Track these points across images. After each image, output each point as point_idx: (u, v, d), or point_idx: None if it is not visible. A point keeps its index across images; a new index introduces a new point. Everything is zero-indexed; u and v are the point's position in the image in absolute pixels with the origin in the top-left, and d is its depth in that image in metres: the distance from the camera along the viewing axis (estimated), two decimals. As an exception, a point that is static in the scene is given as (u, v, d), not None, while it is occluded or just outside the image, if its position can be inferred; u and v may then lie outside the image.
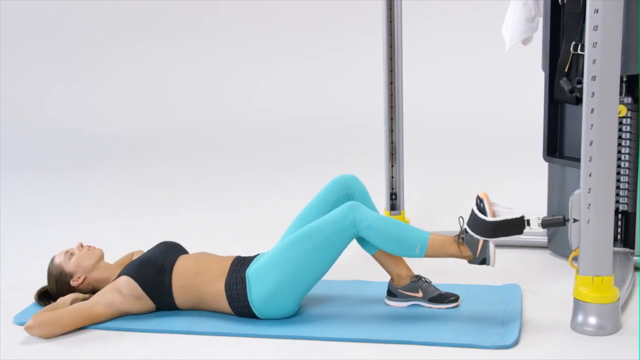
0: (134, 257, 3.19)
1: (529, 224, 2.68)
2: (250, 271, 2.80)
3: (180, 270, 2.86)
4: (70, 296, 2.88)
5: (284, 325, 2.78)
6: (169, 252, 2.94)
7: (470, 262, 2.77)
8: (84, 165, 5.58)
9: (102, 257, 2.99)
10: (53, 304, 2.84)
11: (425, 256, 2.77)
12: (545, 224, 2.71)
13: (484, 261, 2.74)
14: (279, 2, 6.79)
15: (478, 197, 2.70)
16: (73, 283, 2.92)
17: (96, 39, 6.96)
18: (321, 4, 6.72)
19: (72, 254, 2.95)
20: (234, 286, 2.79)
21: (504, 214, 2.67)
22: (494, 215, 2.67)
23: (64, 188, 4.97)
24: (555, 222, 2.71)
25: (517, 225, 2.67)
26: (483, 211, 2.68)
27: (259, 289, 2.77)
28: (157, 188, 4.92)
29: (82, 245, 2.98)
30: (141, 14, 6.94)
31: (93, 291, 2.94)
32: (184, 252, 3.02)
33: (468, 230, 2.72)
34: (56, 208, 4.50)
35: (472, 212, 2.71)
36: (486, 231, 2.68)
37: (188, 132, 6.32)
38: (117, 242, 3.49)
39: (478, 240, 2.72)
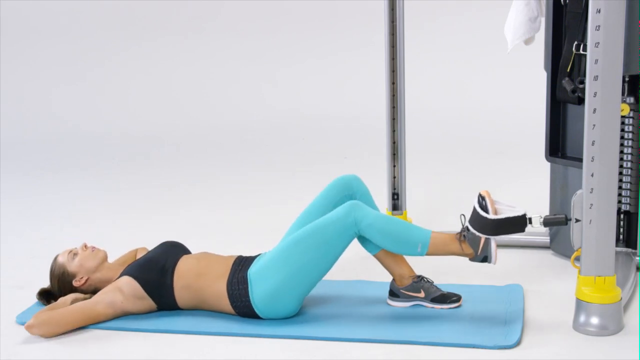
0: (138, 255, 3.20)
1: (530, 222, 2.68)
2: (252, 271, 2.80)
3: (182, 271, 2.86)
4: (70, 296, 2.88)
5: (286, 325, 2.78)
6: (171, 252, 2.94)
7: (471, 259, 2.78)
8: (89, 165, 5.58)
9: (105, 258, 2.98)
10: (54, 304, 2.84)
11: (427, 254, 2.78)
12: (547, 222, 2.71)
13: (485, 259, 2.74)
14: (282, 4, 6.79)
15: (480, 195, 2.71)
16: (75, 283, 2.92)
17: (101, 38, 6.97)
18: (323, 5, 6.72)
19: (75, 254, 2.95)
20: (236, 286, 2.79)
21: (506, 212, 2.67)
22: (495, 213, 2.67)
23: (68, 188, 4.97)
24: (557, 221, 2.70)
25: (519, 224, 2.67)
26: (485, 209, 2.68)
27: (260, 289, 2.77)
28: (162, 188, 4.92)
29: (86, 246, 2.98)
30: (148, 13, 6.95)
31: (95, 291, 2.94)
32: (187, 252, 3.02)
33: (470, 228, 2.73)
34: (60, 208, 4.51)
35: (474, 209, 2.71)
36: (488, 229, 2.68)
37: (193, 132, 6.33)
38: (122, 242, 3.49)
39: (480, 238, 2.72)
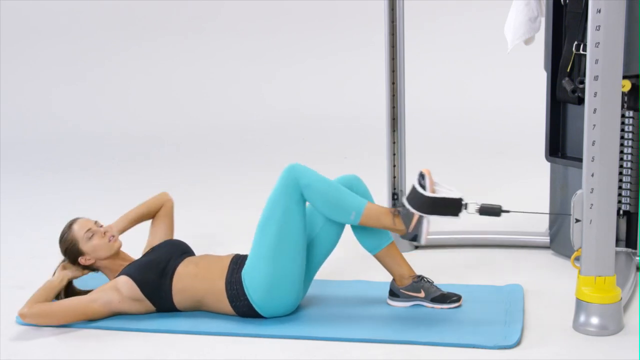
0: (163, 209, 3.22)
1: (466, 208, 2.72)
2: (244, 271, 2.81)
3: (182, 274, 2.85)
4: (67, 274, 2.90)
5: (286, 325, 2.78)
6: (174, 254, 2.94)
7: (402, 237, 2.80)
8: (89, 165, 5.58)
9: (118, 250, 2.98)
10: (49, 283, 2.85)
11: (360, 224, 2.80)
12: (482, 211, 2.76)
13: (415, 238, 2.77)
14: (282, 4, 6.79)
15: (420, 173, 2.75)
16: (81, 260, 2.92)
17: (101, 38, 6.97)
18: (323, 5, 6.72)
19: (93, 235, 2.92)
20: (234, 286, 2.80)
21: (443, 193, 2.72)
22: (433, 192, 2.71)
23: (68, 188, 4.97)
24: (492, 211, 2.75)
25: (454, 206, 2.71)
26: (423, 187, 2.73)
27: (254, 286, 2.77)
28: (162, 188, 4.89)
29: (104, 234, 2.95)
30: (148, 13, 6.94)
31: (94, 270, 2.96)
32: (190, 252, 3.02)
33: (406, 203, 2.76)
34: (60, 208, 4.50)
35: (413, 186, 2.75)
36: (423, 206, 2.72)
37: (193, 132, 6.32)
38: (123, 241, 3.48)
39: (413, 215, 2.75)
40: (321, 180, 2.79)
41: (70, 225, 2.97)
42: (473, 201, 2.74)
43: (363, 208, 2.78)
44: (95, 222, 2.99)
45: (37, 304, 2.78)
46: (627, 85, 3.02)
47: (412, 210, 2.74)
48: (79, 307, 2.80)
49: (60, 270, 2.93)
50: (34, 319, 2.77)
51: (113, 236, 2.96)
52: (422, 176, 2.75)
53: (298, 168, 2.78)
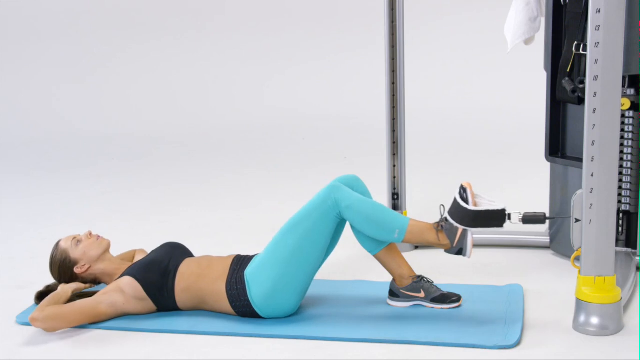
0: (137, 256, 3.20)
1: (509, 218, 2.70)
2: (248, 271, 2.80)
3: (184, 273, 2.86)
4: (71, 286, 2.88)
5: (286, 325, 2.78)
6: (174, 254, 2.94)
7: (446, 251, 2.79)
8: (89, 164, 5.58)
9: (109, 248, 2.98)
10: (55, 294, 2.83)
11: (404, 241, 2.79)
12: (526, 220, 2.74)
13: (460, 251, 2.76)
14: (283, 4, 6.80)
15: (462, 186, 2.73)
16: (77, 270, 2.91)
17: (102, 39, 6.98)
18: (323, 5, 6.73)
19: (79, 241, 2.93)
20: (234, 286, 2.80)
21: (485, 205, 2.70)
22: (475, 205, 2.70)
23: (68, 188, 4.97)
24: (536, 219, 2.74)
25: (497, 218, 2.69)
26: (465, 200, 2.71)
27: (258, 287, 2.77)
28: (162, 188, 4.92)
29: (91, 234, 2.97)
30: (149, 14, 6.95)
31: (94, 281, 2.95)
32: (188, 253, 3.02)
33: (448, 218, 2.74)
34: (62, 208, 4.51)
35: (455, 200, 2.73)
36: (466, 220, 2.70)
37: (193, 132, 6.33)
38: (122, 241, 3.48)
39: (457, 229, 2.74)
40: (362, 200, 2.78)
41: (55, 245, 2.97)
42: (516, 211, 2.73)
43: (406, 226, 2.77)
44: (90, 232, 2.99)
45: (48, 307, 2.76)
46: (627, 104, 3.03)
47: (455, 224, 2.73)
48: (87, 308, 2.79)
49: (62, 286, 2.90)
50: (46, 323, 2.72)
51: (99, 235, 2.97)
52: (463, 190, 2.73)
53: (339, 190, 2.78)
